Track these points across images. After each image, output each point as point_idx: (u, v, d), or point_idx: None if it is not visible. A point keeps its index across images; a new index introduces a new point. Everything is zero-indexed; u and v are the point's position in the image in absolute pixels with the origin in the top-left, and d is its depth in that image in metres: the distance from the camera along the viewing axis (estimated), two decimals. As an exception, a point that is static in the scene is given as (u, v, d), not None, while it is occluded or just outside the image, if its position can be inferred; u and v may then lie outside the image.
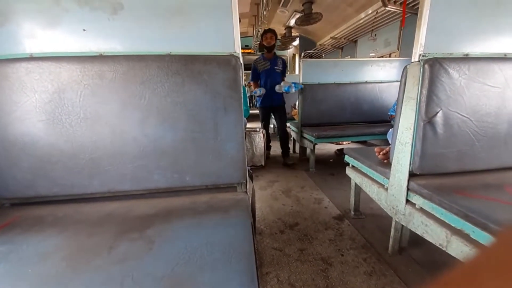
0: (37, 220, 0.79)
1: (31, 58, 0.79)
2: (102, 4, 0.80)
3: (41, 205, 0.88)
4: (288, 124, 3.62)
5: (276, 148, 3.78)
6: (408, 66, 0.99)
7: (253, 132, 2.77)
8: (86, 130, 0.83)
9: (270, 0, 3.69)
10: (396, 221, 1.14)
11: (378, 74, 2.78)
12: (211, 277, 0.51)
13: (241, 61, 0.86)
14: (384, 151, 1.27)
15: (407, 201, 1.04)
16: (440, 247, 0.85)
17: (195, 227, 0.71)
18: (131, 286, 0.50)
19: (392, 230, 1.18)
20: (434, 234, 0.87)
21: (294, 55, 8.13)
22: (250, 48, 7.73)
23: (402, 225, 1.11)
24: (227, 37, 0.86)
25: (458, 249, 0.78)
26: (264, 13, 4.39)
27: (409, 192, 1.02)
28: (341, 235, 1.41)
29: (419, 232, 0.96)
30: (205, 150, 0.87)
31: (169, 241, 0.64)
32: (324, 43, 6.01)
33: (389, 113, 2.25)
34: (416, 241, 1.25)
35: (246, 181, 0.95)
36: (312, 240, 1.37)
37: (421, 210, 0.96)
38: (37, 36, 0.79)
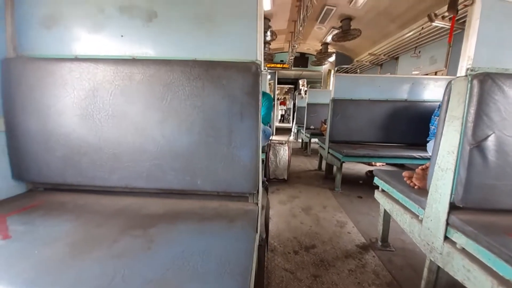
0: (59, 205, 0.84)
1: (75, 59, 0.88)
2: (140, 13, 0.87)
3: (67, 192, 0.95)
4: (315, 140, 3.50)
5: (300, 163, 3.66)
6: (453, 82, 0.87)
7: (278, 144, 2.73)
8: (112, 126, 0.89)
9: (307, 17, 3.72)
10: (431, 260, 0.97)
11: (420, 92, 2.55)
12: None
13: (262, 68, 0.85)
14: (414, 176, 1.12)
15: (446, 238, 0.88)
16: (486, 300, 0.69)
17: (197, 232, 0.69)
18: (120, 284, 0.48)
19: (426, 270, 1.00)
20: (478, 282, 0.71)
21: (329, 70, 8.00)
22: (285, 63, 7.84)
23: (438, 267, 0.94)
24: (251, 44, 0.86)
25: None
26: (301, 29, 4.44)
27: (448, 227, 0.87)
28: (363, 266, 1.25)
29: (458, 278, 0.80)
30: (217, 155, 0.86)
31: (168, 244, 0.63)
32: (362, 59, 5.80)
33: (430, 124, 2.01)
34: (455, 286, 1.04)
35: (258, 192, 0.90)
36: (329, 267, 1.24)
37: (463, 251, 0.80)
38: (81, 39, 0.89)
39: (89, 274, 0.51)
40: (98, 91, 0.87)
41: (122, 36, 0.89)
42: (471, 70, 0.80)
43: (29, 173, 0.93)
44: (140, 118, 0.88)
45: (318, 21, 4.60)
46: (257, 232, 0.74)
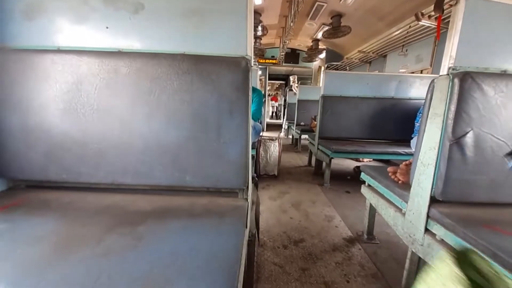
0: (42, 204, 0.82)
1: (58, 51, 0.84)
2: (126, 4, 0.84)
3: (51, 189, 0.92)
4: (306, 136, 3.53)
5: (291, 159, 3.70)
6: (435, 80, 0.90)
7: (268, 140, 2.74)
8: (98, 121, 0.86)
9: (297, 12, 3.71)
10: (412, 251, 1.02)
11: (406, 90, 2.62)
12: (188, 286, 0.48)
13: (252, 63, 0.85)
14: (398, 171, 1.16)
15: (427, 230, 0.92)
16: (462, 288, 0.73)
17: (185, 229, 0.69)
18: (105, 284, 0.48)
19: (408, 261, 1.05)
20: None
21: (319, 67, 8.07)
22: (275, 59, 7.82)
23: (419, 257, 0.99)
24: (241, 39, 0.85)
25: None
26: (292, 25, 4.43)
27: (429, 220, 0.91)
28: (349, 259, 1.30)
29: (437, 267, 0.84)
30: (206, 151, 0.85)
31: (156, 241, 0.62)
32: (352, 57, 5.88)
33: (415, 122, 2.08)
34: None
35: (248, 188, 0.91)
36: (317, 260, 1.27)
37: (442, 242, 0.84)
38: (64, 31, 0.85)
39: (74, 274, 0.50)
40: (82, 84, 0.84)
41: (107, 28, 0.86)
42: (453, 69, 0.83)
43: (10, 170, 0.89)
44: (126, 112, 0.86)
45: (309, 17, 4.60)
46: (246, 227, 0.74)
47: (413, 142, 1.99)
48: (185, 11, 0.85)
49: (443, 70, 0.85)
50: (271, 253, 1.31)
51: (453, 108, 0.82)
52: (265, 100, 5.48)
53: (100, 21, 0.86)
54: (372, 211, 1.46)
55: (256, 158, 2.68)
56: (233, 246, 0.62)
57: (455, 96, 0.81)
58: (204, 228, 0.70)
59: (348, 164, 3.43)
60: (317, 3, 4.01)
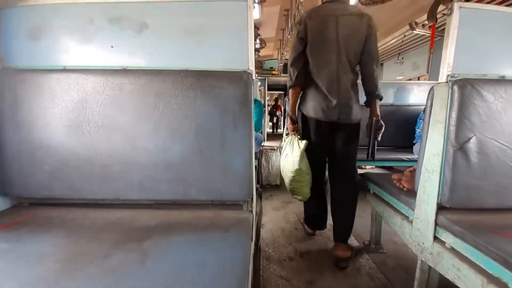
0: (46, 221, 0.81)
1: (63, 70, 0.87)
2: (130, 24, 0.88)
3: (55, 206, 0.91)
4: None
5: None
6: (435, 87, 0.91)
7: (270, 151, 2.74)
8: (103, 137, 0.87)
9: (294, 25, 3.82)
10: (422, 260, 1.00)
11: (405, 97, 2.64)
12: None
13: (254, 77, 0.87)
14: (403, 178, 1.15)
15: (435, 238, 0.90)
16: (476, 297, 0.71)
17: (192, 244, 0.68)
18: None
19: (418, 270, 1.03)
20: (468, 281, 0.73)
21: (318, 77, 8.17)
22: (274, 70, 7.95)
23: (430, 266, 0.96)
24: (242, 54, 0.87)
25: None
26: (289, 37, 4.54)
27: (437, 227, 0.89)
28: (358, 270, 1.26)
29: (449, 277, 0.82)
30: (211, 164, 0.86)
31: (163, 256, 0.62)
32: (349, 66, 5.98)
33: (416, 127, 2.07)
34: (447, 286, 1.07)
35: (253, 200, 0.90)
36: (324, 272, 1.24)
37: (452, 250, 0.83)
38: (70, 51, 0.88)
39: None
40: (88, 102, 0.86)
41: (112, 46, 0.89)
42: (451, 76, 0.85)
43: (14, 188, 0.89)
44: (131, 129, 0.87)
45: (306, 29, 4.72)
46: (252, 240, 0.74)
47: (415, 148, 1.99)
48: (188, 29, 0.88)
49: (442, 78, 0.87)
50: (277, 266, 1.29)
51: (454, 114, 0.82)
52: (265, 110, 5.53)
53: (105, 40, 0.88)
54: (378, 219, 1.44)
55: (258, 169, 2.67)
56: (240, 261, 0.61)
57: (456, 103, 0.81)
58: (210, 242, 0.69)
59: (351, 171, 3.41)
60: (313, 15, 4.13)
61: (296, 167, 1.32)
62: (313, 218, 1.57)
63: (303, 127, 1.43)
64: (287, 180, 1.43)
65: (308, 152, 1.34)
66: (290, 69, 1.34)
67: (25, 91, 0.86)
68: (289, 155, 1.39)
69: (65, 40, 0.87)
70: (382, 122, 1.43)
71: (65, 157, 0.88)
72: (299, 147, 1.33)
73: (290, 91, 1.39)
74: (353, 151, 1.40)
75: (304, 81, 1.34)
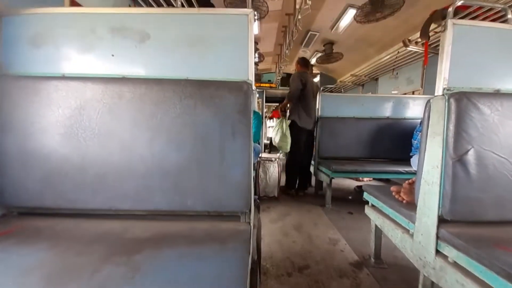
0: (35, 232, 0.78)
1: (62, 78, 0.86)
2: (132, 34, 0.89)
3: (44, 216, 0.88)
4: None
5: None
6: (431, 100, 0.93)
7: (267, 162, 2.72)
8: (98, 145, 0.85)
9: (292, 40, 3.93)
10: (424, 275, 0.97)
11: (401, 110, 2.69)
12: None
13: (253, 87, 0.87)
14: (402, 190, 1.14)
15: (437, 252, 0.88)
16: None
17: (186, 257, 0.65)
18: None
19: (420, 286, 0.99)
20: None
21: (314, 90, 8.34)
22: (272, 83, 8.10)
23: (433, 282, 0.93)
24: (242, 64, 0.88)
25: None
26: (287, 52, 4.66)
27: (439, 241, 0.88)
28: (358, 286, 1.22)
29: (454, 293, 0.79)
30: (208, 173, 0.84)
31: (154, 272, 0.58)
32: (345, 80, 6.11)
33: (413, 139, 2.08)
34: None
35: (250, 211, 0.88)
36: (324, 288, 1.19)
37: (455, 265, 0.81)
38: (71, 59, 0.88)
39: None
40: (85, 109, 0.85)
41: (112, 55, 0.89)
42: (448, 90, 0.86)
43: (3, 196, 0.86)
44: (128, 136, 0.86)
45: (303, 45, 4.86)
46: (249, 254, 0.71)
47: (413, 160, 1.99)
48: (190, 40, 0.89)
49: (438, 91, 0.88)
50: (275, 282, 1.24)
51: (452, 127, 0.83)
52: (263, 122, 5.57)
53: (106, 49, 0.89)
54: (378, 232, 1.41)
55: (256, 180, 2.64)
56: (236, 277, 0.58)
57: (453, 115, 0.83)
58: (205, 255, 0.66)
59: (348, 184, 3.39)
60: (310, 32, 4.26)
61: (285, 132, 2.64)
62: (292, 183, 2.85)
63: (294, 130, 2.69)
64: (277, 141, 2.68)
65: (295, 144, 2.67)
66: (292, 94, 2.70)
67: (22, 97, 0.85)
68: (279, 130, 2.67)
69: (65, 48, 0.88)
70: None
71: (57, 165, 0.85)
72: (286, 124, 2.68)
73: (286, 101, 2.83)
74: (312, 144, 2.84)
75: (298, 105, 2.71)
